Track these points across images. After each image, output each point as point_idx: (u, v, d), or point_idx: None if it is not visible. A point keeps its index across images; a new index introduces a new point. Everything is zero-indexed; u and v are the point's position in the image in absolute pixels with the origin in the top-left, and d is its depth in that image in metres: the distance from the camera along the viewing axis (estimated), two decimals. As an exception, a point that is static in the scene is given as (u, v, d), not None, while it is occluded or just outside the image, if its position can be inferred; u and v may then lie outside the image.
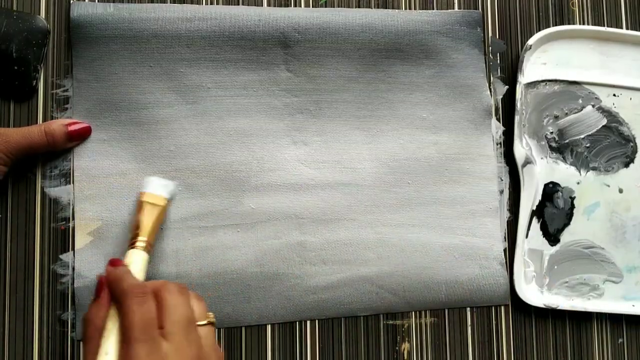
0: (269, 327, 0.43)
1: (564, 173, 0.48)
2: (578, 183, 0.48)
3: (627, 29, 0.51)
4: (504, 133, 0.47)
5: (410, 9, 0.47)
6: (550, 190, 0.47)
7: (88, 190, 0.42)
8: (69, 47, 0.42)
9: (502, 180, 0.47)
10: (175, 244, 0.42)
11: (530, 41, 0.47)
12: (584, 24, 0.50)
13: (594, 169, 0.48)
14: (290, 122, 0.45)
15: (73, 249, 0.41)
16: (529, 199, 0.46)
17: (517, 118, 0.46)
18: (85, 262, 0.41)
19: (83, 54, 0.42)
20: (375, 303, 0.44)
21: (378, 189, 0.45)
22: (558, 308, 0.46)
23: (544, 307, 0.46)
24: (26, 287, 0.41)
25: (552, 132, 0.48)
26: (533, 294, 0.46)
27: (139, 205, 0.40)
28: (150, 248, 0.38)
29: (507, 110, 0.48)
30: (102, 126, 0.42)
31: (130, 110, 0.43)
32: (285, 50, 0.44)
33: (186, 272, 0.42)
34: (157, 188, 0.40)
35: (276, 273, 0.43)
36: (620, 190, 0.48)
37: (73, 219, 0.42)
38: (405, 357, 0.45)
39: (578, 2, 0.50)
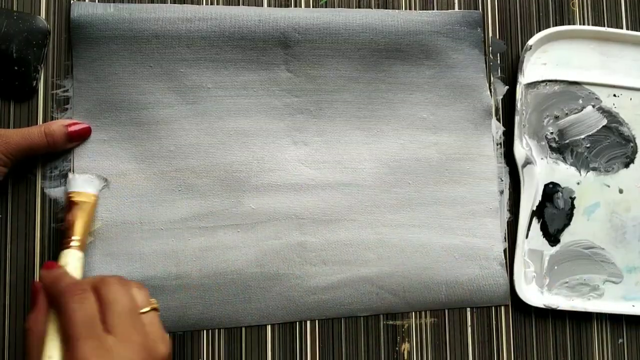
0: (269, 328, 0.43)
1: (564, 173, 0.48)
2: (578, 183, 0.48)
3: (627, 29, 0.51)
4: (504, 133, 0.47)
5: (410, 9, 0.47)
6: (551, 190, 0.47)
7: (88, 191, 0.42)
8: (69, 48, 0.42)
9: (502, 180, 0.47)
10: (175, 245, 0.42)
11: (531, 41, 0.47)
12: (584, 24, 0.50)
13: (594, 169, 0.48)
14: (291, 122, 0.45)
15: (73, 249, 0.41)
16: (529, 199, 0.46)
17: (517, 118, 0.46)
18: (86, 263, 0.41)
19: (83, 54, 0.42)
20: (375, 303, 0.44)
21: (378, 189, 0.45)
22: (558, 308, 0.46)
23: (544, 307, 0.46)
24: (26, 287, 0.41)
25: (552, 133, 0.48)
26: (533, 294, 0.46)
27: (68, 206, 0.39)
28: (84, 246, 0.38)
29: (507, 111, 0.48)
30: (102, 126, 0.42)
31: (131, 111, 0.43)
32: (285, 51, 0.44)
33: (186, 272, 0.42)
34: (83, 185, 0.40)
35: (276, 273, 0.43)
36: (621, 191, 0.49)
37: (73, 219, 0.41)
38: (405, 358, 0.45)
39: (578, 2, 0.50)
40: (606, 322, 0.48)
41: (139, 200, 0.42)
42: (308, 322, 0.44)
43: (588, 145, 0.48)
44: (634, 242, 0.48)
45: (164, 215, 0.42)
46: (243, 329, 0.43)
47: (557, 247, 0.47)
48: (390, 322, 0.45)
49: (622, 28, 0.51)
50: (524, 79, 0.47)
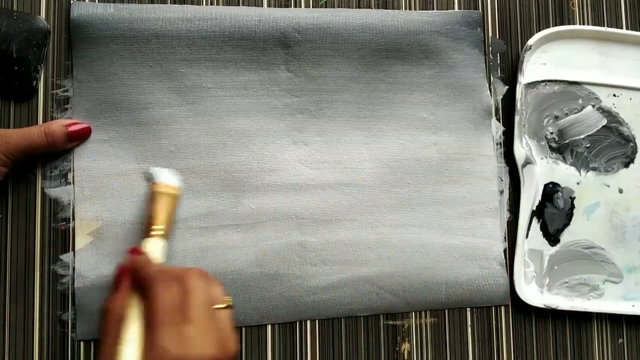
0: (269, 327, 0.43)
1: (564, 173, 0.48)
2: (578, 183, 0.48)
3: (627, 29, 0.51)
4: (504, 133, 0.47)
5: (410, 9, 0.47)
6: (550, 190, 0.47)
7: (88, 191, 0.42)
8: (69, 47, 0.42)
9: (502, 180, 0.47)
10: (175, 244, 0.42)
11: (530, 41, 0.47)
12: (584, 24, 0.50)
13: (594, 169, 0.48)
14: (291, 122, 0.45)
15: (73, 249, 0.41)
16: (529, 199, 0.46)
17: (517, 118, 0.46)
18: (86, 263, 0.41)
19: (83, 54, 0.42)
20: (375, 303, 0.44)
21: (378, 189, 0.45)
22: (558, 308, 0.46)
23: (544, 307, 0.46)
24: (26, 287, 0.41)
25: (552, 133, 0.48)
26: (533, 294, 0.46)
27: (152, 196, 0.40)
28: (166, 236, 0.39)
29: (507, 111, 0.48)
30: (102, 126, 0.42)
31: (131, 111, 0.43)
32: (285, 51, 0.44)
33: (186, 272, 0.42)
34: (168, 178, 0.41)
35: (276, 273, 0.43)
36: (620, 191, 0.49)
37: (73, 219, 0.42)
38: (405, 357, 0.45)
39: (578, 2, 0.50)
40: (606, 322, 0.48)
41: (139, 200, 0.42)
42: (308, 322, 0.44)
43: (588, 145, 0.48)
44: (633, 241, 0.48)
45: (164, 215, 0.42)
46: (243, 329, 0.43)
47: (557, 247, 0.47)
48: (390, 322, 0.45)
49: (622, 28, 0.51)
50: (524, 78, 0.47)
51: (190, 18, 0.43)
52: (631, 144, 0.49)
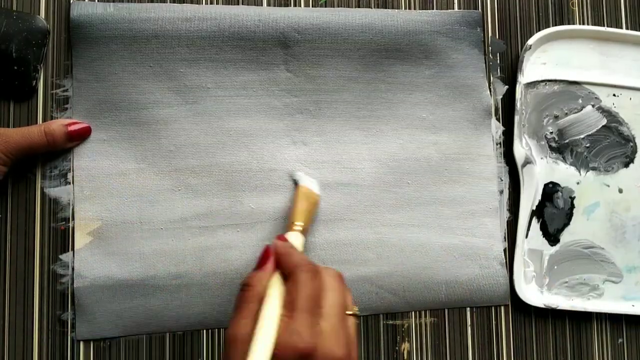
0: (268, 327, 0.43)
1: (563, 173, 0.48)
2: (578, 183, 0.48)
3: (627, 29, 0.51)
4: (504, 133, 0.47)
5: (410, 9, 0.47)
6: (550, 190, 0.47)
7: (88, 191, 0.42)
8: (69, 47, 0.42)
9: (501, 180, 0.47)
10: (175, 244, 0.42)
11: (530, 41, 0.47)
12: (584, 24, 0.50)
13: (593, 169, 0.48)
14: (290, 122, 0.45)
15: (73, 249, 0.41)
16: (529, 199, 0.46)
17: (516, 118, 0.46)
18: (85, 262, 0.41)
19: (83, 54, 0.42)
20: (375, 303, 0.44)
21: (378, 189, 0.45)
22: (558, 308, 0.46)
23: (543, 307, 0.46)
24: (26, 287, 0.41)
25: (552, 132, 0.48)
26: (533, 294, 0.46)
27: (297, 195, 0.42)
28: (305, 233, 0.40)
29: (507, 110, 0.48)
30: (102, 126, 0.42)
31: (130, 111, 0.43)
32: (285, 51, 0.44)
33: (186, 272, 0.42)
34: (312, 184, 0.43)
35: (276, 273, 0.43)
36: (620, 190, 0.49)
37: (73, 219, 0.42)
38: (405, 357, 0.45)
39: (578, 2, 0.50)
40: (606, 322, 0.48)
41: (139, 200, 0.42)
42: (308, 322, 0.44)
43: (588, 144, 0.48)
44: (633, 241, 0.48)
45: (163, 215, 0.42)
46: (243, 329, 0.43)
47: (557, 247, 0.47)
48: (390, 322, 0.45)
49: (621, 28, 0.51)
50: (524, 78, 0.47)
51: (190, 18, 0.43)
52: (631, 144, 0.49)
